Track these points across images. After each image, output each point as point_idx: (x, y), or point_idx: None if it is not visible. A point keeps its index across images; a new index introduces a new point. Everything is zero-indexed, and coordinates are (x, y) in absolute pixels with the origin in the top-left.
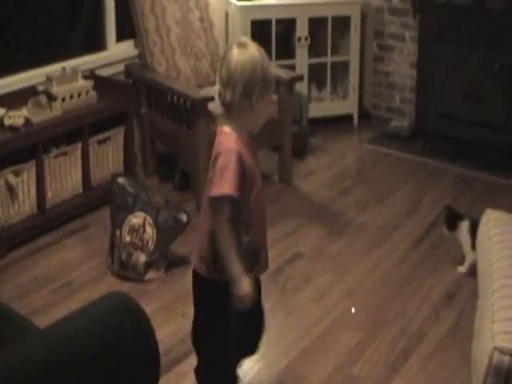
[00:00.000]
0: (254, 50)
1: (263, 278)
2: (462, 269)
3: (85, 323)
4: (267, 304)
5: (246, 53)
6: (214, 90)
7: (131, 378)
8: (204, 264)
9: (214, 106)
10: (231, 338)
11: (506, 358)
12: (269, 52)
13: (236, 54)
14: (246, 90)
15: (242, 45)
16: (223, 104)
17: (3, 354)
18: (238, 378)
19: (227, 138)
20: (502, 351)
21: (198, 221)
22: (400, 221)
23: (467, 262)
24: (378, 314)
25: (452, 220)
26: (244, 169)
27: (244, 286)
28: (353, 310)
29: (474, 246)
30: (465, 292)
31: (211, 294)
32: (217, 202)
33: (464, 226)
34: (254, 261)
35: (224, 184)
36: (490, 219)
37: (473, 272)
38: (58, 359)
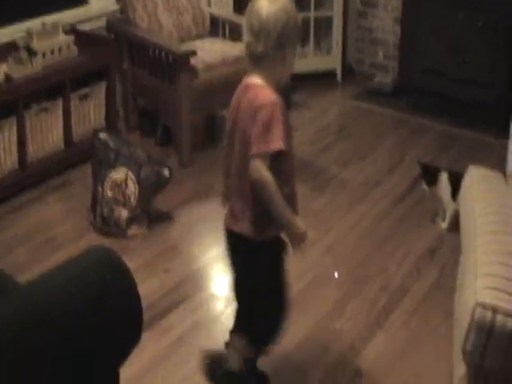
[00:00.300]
0: None
1: None
2: (444, 224)
3: (65, 279)
4: None
5: (276, 3)
6: (196, 45)
7: (113, 333)
8: (254, 227)
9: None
10: (287, 287)
11: (489, 314)
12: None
13: (266, 4)
14: (279, 41)
15: None
16: (253, 55)
17: None
18: None
19: (263, 91)
20: (484, 306)
21: (232, 189)
22: (382, 177)
23: (448, 215)
24: (359, 270)
25: (430, 175)
26: (285, 120)
27: (300, 224)
28: (336, 275)
29: (454, 197)
30: (446, 248)
31: (265, 253)
32: (264, 156)
33: (443, 177)
34: (292, 210)
35: (272, 138)
36: (474, 176)
37: (454, 228)
38: (39, 315)
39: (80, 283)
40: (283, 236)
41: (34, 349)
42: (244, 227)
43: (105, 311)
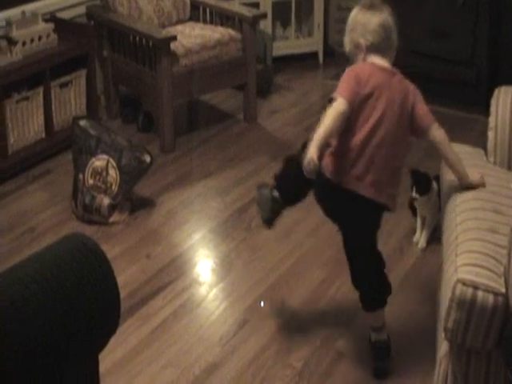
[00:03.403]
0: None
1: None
2: (422, 243)
3: (40, 266)
4: (232, 243)
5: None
6: (176, 30)
7: (90, 320)
8: (391, 199)
9: None
10: None
11: (469, 290)
12: None
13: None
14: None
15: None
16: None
17: None
18: None
19: (403, 76)
20: (464, 283)
21: (381, 161)
22: None
23: (427, 232)
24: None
25: (422, 183)
26: None
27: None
28: (262, 304)
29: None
30: None
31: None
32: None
33: (435, 187)
34: None
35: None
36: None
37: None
38: (13, 304)
39: (55, 270)
40: None
41: (6, 337)
42: (384, 198)
43: (80, 298)
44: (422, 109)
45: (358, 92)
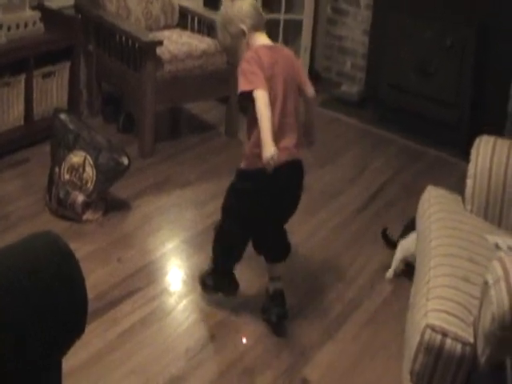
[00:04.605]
0: None
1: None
2: (389, 273)
3: (7, 263)
4: (205, 255)
5: None
6: (163, 35)
7: (55, 320)
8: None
9: None
10: None
11: (438, 337)
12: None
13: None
14: None
15: None
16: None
17: None
18: None
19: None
20: (434, 329)
21: (288, 126)
22: (343, 187)
23: (394, 263)
24: (313, 279)
25: (390, 243)
26: None
27: None
28: (244, 341)
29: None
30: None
31: None
32: None
33: (401, 244)
34: None
35: None
36: (432, 196)
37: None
38: None
39: (22, 267)
40: None
41: None
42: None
43: (46, 298)
44: (304, 72)
45: (265, 76)
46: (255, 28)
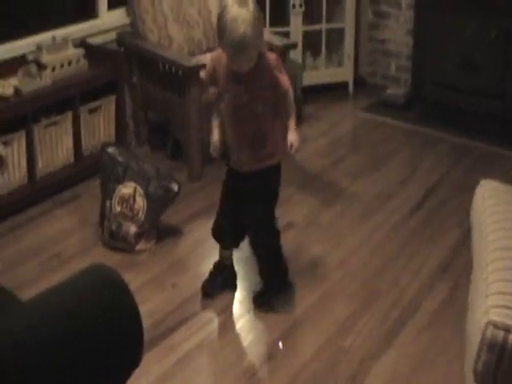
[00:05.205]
0: None
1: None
2: None
3: (63, 298)
4: (259, 276)
5: None
6: (206, 58)
7: (112, 353)
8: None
9: None
10: None
11: (500, 333)
12: (263, 18)
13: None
14: None
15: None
16: None
17: None
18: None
19: None
20: (495, 326)
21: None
22: (394, 190)
23: None
24: (370, 284)
25: None
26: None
27: None
28: (280, 345)
29: None
30: (459, 264)
31: None
32: None
33: None
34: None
35: None
36: (485, 190)
37: (467, 243)
38: (37, 334)
39: (78, 302)
40: None
41: (27, 370)
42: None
43: (102, 332)
44: None
45: None
46: None
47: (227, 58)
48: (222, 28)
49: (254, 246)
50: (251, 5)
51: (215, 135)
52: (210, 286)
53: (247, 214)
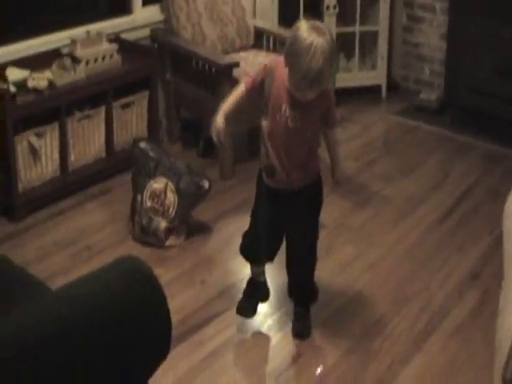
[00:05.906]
0: None
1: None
2: None
3: (92, 288)
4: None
5: None
6: (239, 57)
7: (140, 346)
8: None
9: None
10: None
11: None
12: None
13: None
14: None
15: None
16: None
17: (13, 316)
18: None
19: None
20: None
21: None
22: (426, 195)
23: None
24: (400, 288)
25: None
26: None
27: None
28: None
29: None
30: (489, 271)
31: None
32: None
33: None
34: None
35: None
36: None
37: (498, 250)
38: (66, 323)
39: (107, 293)
40: None
41: (55, 360)
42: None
43: (131, 323)
44: None
45: None
46: None
47: (292, 84)
48: (295, 53)
49: (293, 257)
50: (328, 34)
51: (220, 118)
52: (246, 310)
53: (293, 225)
